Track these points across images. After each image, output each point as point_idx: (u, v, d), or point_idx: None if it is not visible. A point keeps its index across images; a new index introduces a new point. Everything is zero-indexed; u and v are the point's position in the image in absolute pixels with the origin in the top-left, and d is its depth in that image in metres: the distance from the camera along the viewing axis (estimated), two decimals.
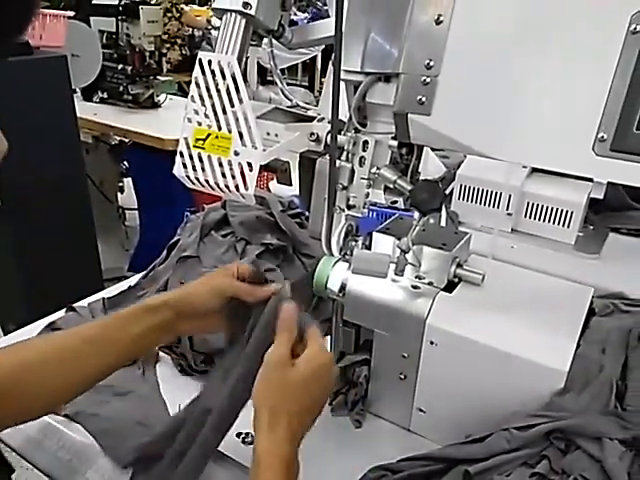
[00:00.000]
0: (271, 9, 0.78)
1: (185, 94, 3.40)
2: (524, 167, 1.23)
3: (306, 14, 4.34)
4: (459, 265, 0.78)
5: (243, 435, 0.75)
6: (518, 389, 0.67)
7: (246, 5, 0.74)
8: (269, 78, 4.69)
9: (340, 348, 0.82)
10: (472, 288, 0.77)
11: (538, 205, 1.23)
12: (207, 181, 0.77)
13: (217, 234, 1.01)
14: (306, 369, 0.60)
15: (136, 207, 2.59)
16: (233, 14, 0.76)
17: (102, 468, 0.72)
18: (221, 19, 0.78)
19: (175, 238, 1.05)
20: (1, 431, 0.66)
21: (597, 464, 0.56)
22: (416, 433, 0.79)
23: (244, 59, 0.78)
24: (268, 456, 0.55)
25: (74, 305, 1.00)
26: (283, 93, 1.01)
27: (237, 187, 0.75)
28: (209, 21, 4.45)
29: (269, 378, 0.59)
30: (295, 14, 4.23)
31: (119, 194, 2.78)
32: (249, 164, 0.74)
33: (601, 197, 1.06)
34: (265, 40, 0.85)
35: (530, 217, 1.24)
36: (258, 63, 4.28)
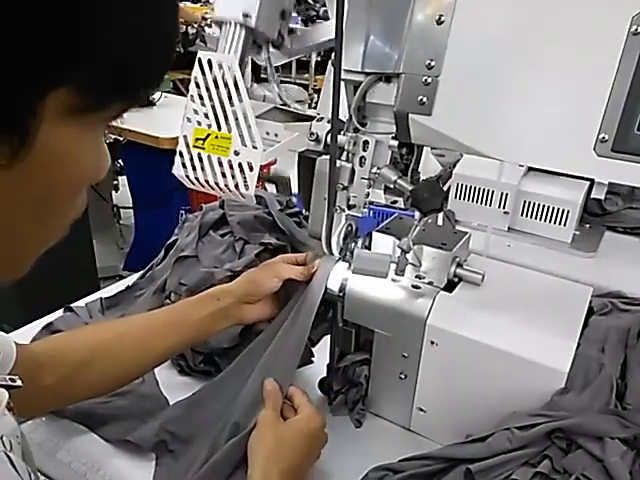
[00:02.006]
0: (270, 19, 0.78)
1: (178, 92, 3.39)
2: (520, 166, 1.23)
3: (300, 16, 4.32)
4: (459, 265, 0.78)
5: None
6: (518, 389, 0.67)
7: (246, 16, 0.74)
8: (263, 76, 4.66)
9: (340, 348, 0.82)
10: (472, 288, 0.77)
11: (534, 204, 1.23)
12: (207, 181, 0.77)
13: (215, 234, 1.01)
14: (300, 430, 0.65)
15: (131, 206, 2.58)
16: (233, 24, 0.76)
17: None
18: (221, 29, 0.78)
19: (173, 238, 1.05)
20: (73, 403, 0.72)
21: (599, 463, 0.56)
22: (417, 433, 0.79)
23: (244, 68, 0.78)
24: None
25: (72, 305, 1.00)
26: (280, 97, 1.01)
27: (237, 187, 0.75)
28: (204, 18, 4.42)
29: (264, 435, 0.64)
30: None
31: (114, 192, 2.77)
32: (249, 164, 0.73)
33: (602, 197, 1.06)
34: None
35: (526, 215, 1.25)
36: (252, 60, 4.26)
